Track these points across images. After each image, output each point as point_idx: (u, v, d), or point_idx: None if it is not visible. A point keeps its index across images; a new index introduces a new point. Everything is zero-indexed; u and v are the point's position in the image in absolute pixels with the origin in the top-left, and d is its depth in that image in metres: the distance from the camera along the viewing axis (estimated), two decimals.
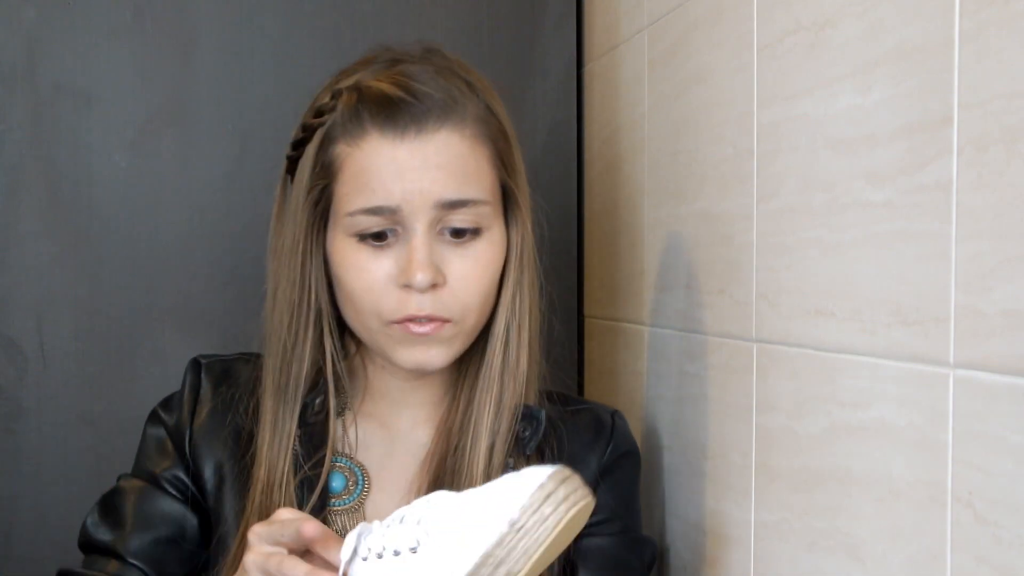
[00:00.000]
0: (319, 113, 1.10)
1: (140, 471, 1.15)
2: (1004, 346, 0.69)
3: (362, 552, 0.90)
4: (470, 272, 1.07)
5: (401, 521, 0.89)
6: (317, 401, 1.11)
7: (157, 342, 1.56)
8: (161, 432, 1.15)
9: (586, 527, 1.00)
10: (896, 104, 0.81)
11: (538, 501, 0.84)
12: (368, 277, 1.06)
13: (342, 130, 1.08)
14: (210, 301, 1.57)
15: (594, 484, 1.12)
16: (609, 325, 1.54)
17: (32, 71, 1.54)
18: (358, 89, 1.08)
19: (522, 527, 0.84)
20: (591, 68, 1.63)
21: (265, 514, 1.06)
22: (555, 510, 0.84)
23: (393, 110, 1.06)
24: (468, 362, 1.13)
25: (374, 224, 1.06)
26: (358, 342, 1.14)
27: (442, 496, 0.90)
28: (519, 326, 1.11)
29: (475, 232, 1.08)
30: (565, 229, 1.65)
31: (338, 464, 1.12)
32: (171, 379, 1.21)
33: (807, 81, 0.95)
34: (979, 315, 0.72)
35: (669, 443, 1.29)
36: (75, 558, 1.51)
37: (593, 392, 1.60)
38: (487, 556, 0.84)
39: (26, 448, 1.54)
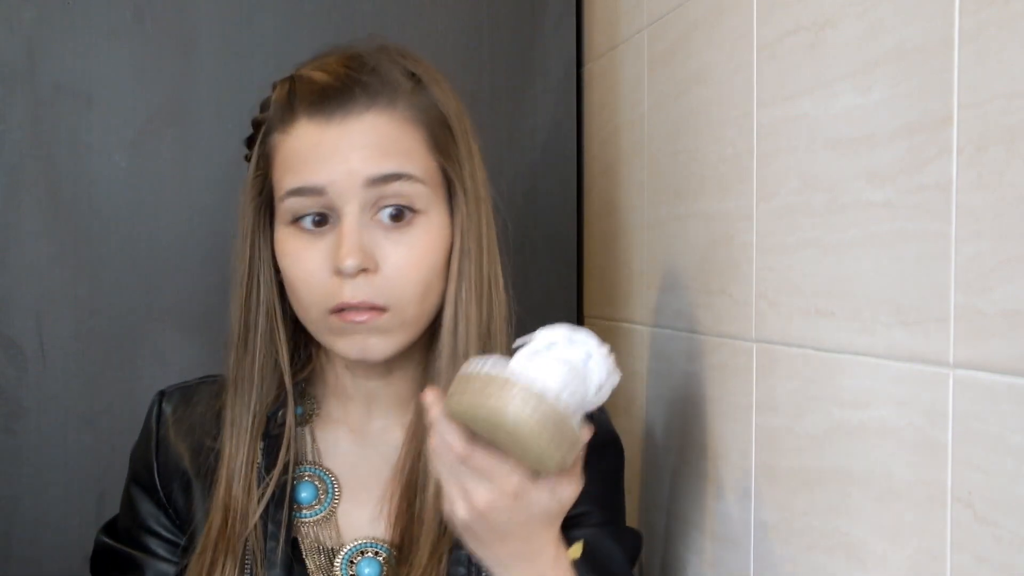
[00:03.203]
0: (263, 108, 1.12)
1: (120, 528, 1.16)
2: (1004, 346, 0.69)
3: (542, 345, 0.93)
4: (404, 260, 1.05)
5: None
6: (280, 412, 1.10)
7: (157, 342, 1.56)
8: (132, 485, 1.15)
9: (569, 517, 1.00)
10: (896, 104, 0.81)
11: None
12: (304, 266, 1.05)
13: (277, 120, 1.08)
14: (210, 301, 1.56)
15: None
16: (609, 325, 1.54)
17: (32, 71, 1.54)
18: (291, 79, 1.10)
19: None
20: (591, 68, 1.63)
21: (232, 533, 1.06)
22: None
23: (321, 96, 1.06)
24: (430, 357, 1.11)
25: (304, 206, 1.05)
26: (319, 344, 1.13)
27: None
28: (466, 317, 1.08)
29: (412, 213, 1.05)
30: (565, 229, 1.65)
31: (307, 473, 1.11)
32: (171, 379, 1.21)
33: (807, 81, 0.95)
34: (979, 315, 0.72)
35: (669, 443, 1.29)
36: (74, 558, 1.51)
37: None
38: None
39: (26, 448, 1.54)
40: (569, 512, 0.98)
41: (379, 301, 1.04)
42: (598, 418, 1.15)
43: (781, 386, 1.00)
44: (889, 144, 0.82)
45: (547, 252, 1.65)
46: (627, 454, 1.20)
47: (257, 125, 1.12)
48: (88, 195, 1.55)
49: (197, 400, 1.15)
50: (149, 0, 1.55)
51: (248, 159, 1.13)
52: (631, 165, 1.44)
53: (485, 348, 1.08)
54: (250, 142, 1.13)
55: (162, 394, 1.16)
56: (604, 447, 1.14)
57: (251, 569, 1.06)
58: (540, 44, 1.63)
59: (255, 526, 1.07)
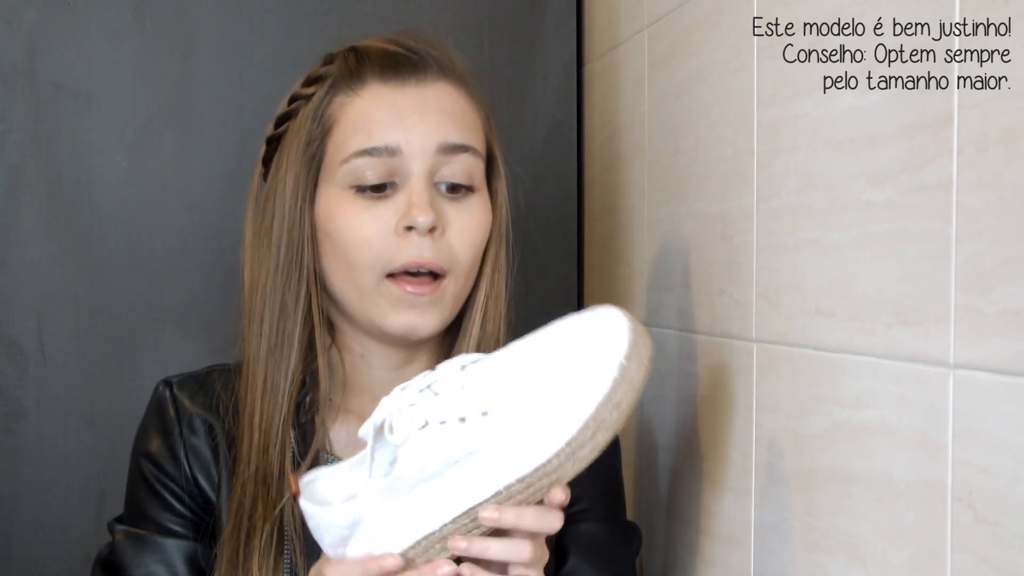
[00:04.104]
0: (310, 82, 1.11)
1: (134, 515, 1.13)
2: (1004, 346, 0.69)
3: (418, 422, 0.89)
4: (466, 225, 1.07)
5: (463, 387, 0.89)
6: (308, 399, 1.09)
7: (157, 342, 1.56)
8: (148, 465, 1.13)
9: (573, 512, 1.01)
10: (896, 104, 0.81)
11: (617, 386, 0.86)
12: (366, 227, 1.05)
13: (341, 85, 1.08)
14: (210, 301, 1.57)
15: None
16: None
17: (32, 71, 1.54)
18: (355, 50, 1.11)
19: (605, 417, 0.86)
20: (591, 68, 1.63)
21: (267, 502, 1.05)
22: (637, 374, 0.86)
23: (394, 61, 1.08)
24: (447, 352, 1.12)
25: (372, 168, 1.05)
26: (334, 334, 1.12)
27: (497, 364, 0.89)
28: (496, 297, 1.11)
29: (465, 190, 1.08)
30: (565, 229, 1.65)
31: (325, 463, 1.10)
32: None
33: (807, 81, 0.95)
34: (979, 315, 0.72)
35: (669, 443, 1.29)
36: (74, 559, 1.51)
37: None
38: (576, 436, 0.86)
39: (26, 448, 1.54)
40: (571, 508, 0.98)
41: (444, 264, 1.05)
42: None
43: (781, 386, 1.00)
44: (889, 144, 0.82)
45: (547, 252, 1.65)
46: (626, 454, 1.20)
47: (300, 98, 1.10)
48: (88, 195, 1.55)
49: (211, 383, 1.14)
50: (149, 0, 1.56)
51: (273, 142, 1.12)
52: (631, 165, 1.45)
53: (500, 342, 1.09)
54: (283, 120, 1.12)
55: (170, 383, 1.14)
56: None
57: (291, 557, 1.05)
58: (540, 44, 1.64)
59: (294, 514, 1.05)
